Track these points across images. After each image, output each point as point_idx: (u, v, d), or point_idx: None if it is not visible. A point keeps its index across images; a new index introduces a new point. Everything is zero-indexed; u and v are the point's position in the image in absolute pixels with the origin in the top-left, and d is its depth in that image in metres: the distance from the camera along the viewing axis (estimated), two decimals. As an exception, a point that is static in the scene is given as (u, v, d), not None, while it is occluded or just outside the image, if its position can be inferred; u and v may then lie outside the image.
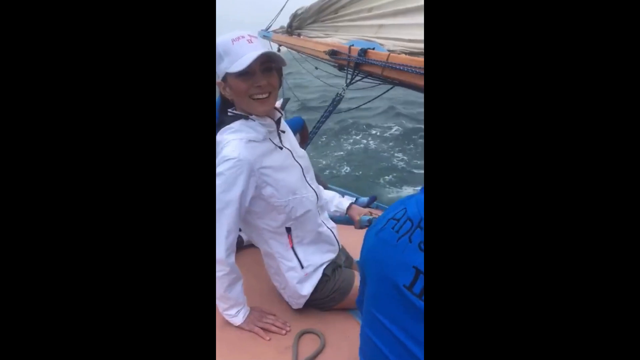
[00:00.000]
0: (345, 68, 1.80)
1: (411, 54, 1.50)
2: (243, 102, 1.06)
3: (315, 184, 1.24)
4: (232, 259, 1.08)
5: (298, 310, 1.27)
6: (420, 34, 1.63)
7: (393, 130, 8.33)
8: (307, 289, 1.21)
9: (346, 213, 1.41)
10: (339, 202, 1.42)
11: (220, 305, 1.16)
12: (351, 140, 8.02)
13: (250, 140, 1.05)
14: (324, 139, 8.05)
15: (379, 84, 1.75)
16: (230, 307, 1.16)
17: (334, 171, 6.50)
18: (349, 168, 6.59)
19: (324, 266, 1.23)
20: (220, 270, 1.07)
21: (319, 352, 1.11)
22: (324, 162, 6.97)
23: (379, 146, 7.75)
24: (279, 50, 2.83)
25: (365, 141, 8.06)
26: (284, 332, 1.18)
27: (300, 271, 1.19)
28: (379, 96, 2.03)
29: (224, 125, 1.09)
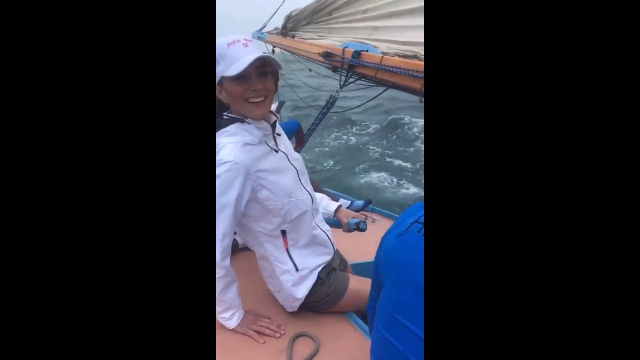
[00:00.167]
0: (339, 70, 1.81)
1: (405, 56, 1.50)
2: (239, 105, 1.06)
3: (309, 187, 1.25)
4: (227, 262, 1.09)
5: (292, 313, 1.27)
6: (413, 36, 1.64)
7: (371, 128, 8.70)
8: (302, 292, 1.21)
9: (334, 216, 1.41)
10: (327, 204, 1.42)
11: None
12: (332, 136, 8.24)
13: (246, 144, 1.05)
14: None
15: (373, 85, 1.76)
16: (225, 310, 1.16)
17: (318, 166, 6.69)
18: (331, 162, 6.87)
19: (319, 269, 1.23)
20: (216, 273, 1.07)
21: (313, 355, 1.11)
22: (307, 157, 7.16)
23: (359, 140, 8.13)
24: (273, 51, 2.83)
25: (346, 137, 8.34)
26: (278, 335, 1.18)
27: (295, 274, 1.19)
28: (373, 98, 2.03)
29: (220, 129, 1.09)
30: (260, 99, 1.04)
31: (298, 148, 2.33)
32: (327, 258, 1.27)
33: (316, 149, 7.35)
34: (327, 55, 1.88)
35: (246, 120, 1.08)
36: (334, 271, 1.29)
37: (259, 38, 3.10)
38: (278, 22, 3.02)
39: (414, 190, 5.44)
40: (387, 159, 6.77)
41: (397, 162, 6.63)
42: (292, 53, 2.54)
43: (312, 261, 1.22)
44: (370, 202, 2.24)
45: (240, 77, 1.00)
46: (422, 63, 1.36)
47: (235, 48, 1.01)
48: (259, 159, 1.07)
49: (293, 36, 2.74)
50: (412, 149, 7.26)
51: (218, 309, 1.16)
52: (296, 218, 1.15)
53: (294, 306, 1.24)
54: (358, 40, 1.97)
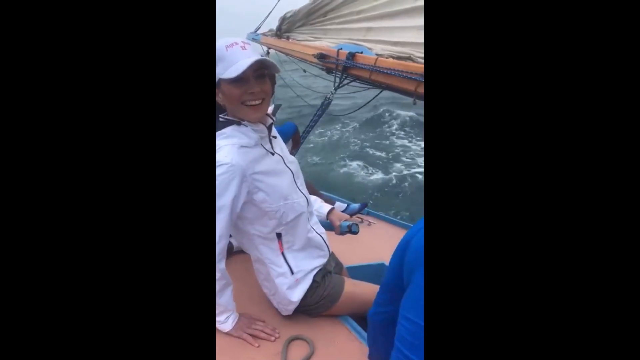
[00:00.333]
0: (334, 71, 1.80)
1: (399, 58, 1.51)
2: (236, 108, 1.06)
3: (305, 189, 1.24)
4: (223, 264, 1.08)
5: (287, 317, 1.26)
6: (406, 37, 1.64)
7: (352, 126, 9.16)
8: (297, 295, 1.20)
9: (327, 218, 1.41)
10: (320, 206, 1.42)
11: None
12: (317, 132, 8.60)
13: (242, 146, 1.05)
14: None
15: (367, 88, 1.76)
16: (220, 314, 1.15)
17: (300, 162, 7.12)
18: (317, 158, 7.27)
19: (314, 272, 1.23)
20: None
21: (308, 358, 1.11)
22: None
23: (342, 135, 8.66)
24: (267, 53, 2.83)
25: (330, 133, 8.70)
26: (273, 338, 1.18)
27: (290, 277, 1.19)
28: (368, 102, 2.04)
29: (216, 131, 1.08)
30: (257, 102, 1.04)
31: (294, 150, 2.33)
32: (323, 261, 1.27)
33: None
34: (322, 57, 1.88)
35: (242, 122, 1.08)
36: (329, 274, 1.28)
37: (254, 40, 3.10)
38: (272, 23, 3.02)
39: (380, 176, 6.26)
40: (364, 150, 7.48)
41: (372, 151, 7.37)
42: (287, 55, 2.54)
43: (308, 264, 1.22)
44: (366, 205, 2.24)
45: (238, 80, 1.00)
46: (416, 65, 1.36)
47: (233, 50, 1.01)
48: (255, 161, 1.07)
49: (288, 38, 2.74)
50: (387, 142, 7.99)
51: None
52: (292, 221, 1.15)
53: (289, 309, 1.24)
54: (352, 42, 1.97)
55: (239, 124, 1.08)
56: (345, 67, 1.71)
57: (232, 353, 1.12)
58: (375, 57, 1.56)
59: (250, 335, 1.17)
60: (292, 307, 1.23)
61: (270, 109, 1.21)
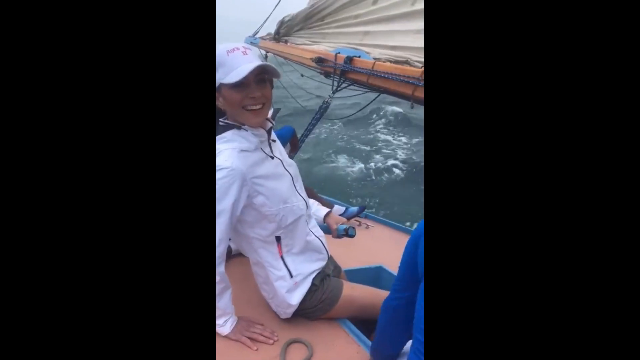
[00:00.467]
0: (332, 75, 1.82)
1: (396, 62, 1.52)
2: (236, 112, 1.06)
3: (303, 193, 1.25)
4: (222, 268, 1.09)
5: (285, 320, 1.26)
6: (403, 40, 1.66)
7: (339, 124, 9.62)
8: (296, 298, 1.21)
9: (324, 221, 1.41)
10: (317, 209, 1.43)
11: None
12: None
13: (242, 150, 1.05)
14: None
15: (365, 91, 1.77)
16: (218, 317, 1.15)
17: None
18: (305, 156, 7.61)
19: (313, 275, 1.23)
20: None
21: (306, 362, 1.11)
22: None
23: (330, 132, 9.14)
24: (266, 57, 2.84)
25: (318, 131, 9.07)
26: (271, 341, 1.18)
27: (289, 280, 1.19)
28: (366, 106, 2.05)
29: (216, 135, 1.09)
30: (258, 107, 1.05)
31: (292, 154, 2.34)
32: (321, 264, 1.27)
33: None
34: (320, 60, 1.90)
35: (243, 126, 1.09)
36: (327, 277, 1.29)
37: (252, 43, 3.11)
38: (271, 27, 3.04)
39: (360, 167, 7.01)
40: (349, 145, 8.07)
41: (358, 145, 7.95)
42: (286, 59, 2.55)
43: (306, 267, 1.22)
44: (365, 208, 2.25)
45: (240, 85, 1.01)
46: (414, 69, 1.37)
47: (234, 56, 1.02)
48: (255, 165, 1.07)
49: (286, 41, 2.75)
50: (371, 136, 8.57)
51: None
52: (291, 224, 1.15)
53: (287, 312, 1.24)
54: (350, 46, 1.98)
55: (239, 128, 1.08)
56: (343, 71, 1.72)
57: (230, 356, 1.12)
58: (373, 61, 1.58)
59: (249, 338, 1.17)
60: (291, 311, 1.23)
61: (269, 113, 1.22)
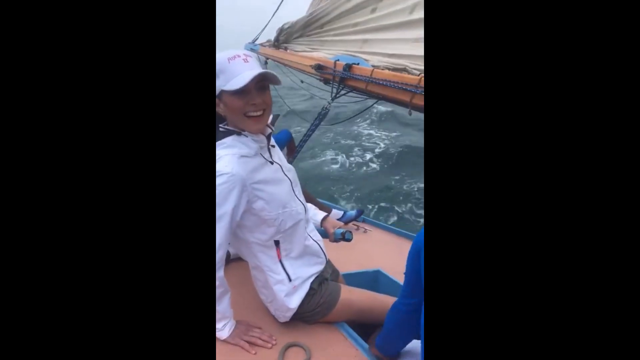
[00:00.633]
0: (331, 82, 1.84)
1: (394, 69, 1.54)
2: (237, 119, 1.08)
3: (302, 197, 1.26)
4: (222, 272, 1.10)
5: (283, 324, 1.27)
6: (401, 49, 1.68)
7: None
8: (295, 301, 1.21)
9: (321, 225, 1.42)
10: (314, 213, 1.43)
11: None
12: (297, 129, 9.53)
13: (242, 156, 1.07)
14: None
15: (364, 98, 1.79)
16: (217, 321, 1.16)
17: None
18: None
19: (312, 279, 1.24)
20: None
21: (305, 365, 1.11)
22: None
23: (318, 131, 9.71)
24: (266, 63, 2.87)
25: (303, 129, 9.59)
26: (269, 345, 1.18)
27: (288, 284, 1.20)
28: (363, 111, 2.06)
29: (216, 141, 1.10)
30: (259, 113, 1.07)
31: (290, 158, 2.35)
32: (320, 268, 1.28)
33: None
34: (319, 67, 1.92)
35: (243, 132, 1.10)
36: (325, 281, 1.30)
37: (252, 50, 3.13)
38: (270, 34, 3.07)
39: (342, 160, 7.47)
40: (334, 142, 8.44)
41: (344, 141, 8.31)
42: (285, 65, 2.57)
43: (305, 271, 1.23)
44: (362, 212, 2.26)
45: (240, 92, 1.02)
46: (411, 76, 1.39)
47: (235, 63, 1.03)
48: (254, 170, 1.09)
49: (285, 48, 2.78)
50: (355, 132, 8.90)
51: None
52: (290, 228, 1.16)
53: (286, 316, 1.25)
54: (349, 53, 2.01)
55: (239, 134, 1.10)
56: (342, 78, 1.74)
57: None
58: (372, 68, 1.59)
59: (247, 342, 1.17)
60: (290, 314, 1.24)
61: (269, 119, 1.24)
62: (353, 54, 1.95)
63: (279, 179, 1.17)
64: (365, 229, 2.15)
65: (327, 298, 1.25)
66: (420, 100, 1.29)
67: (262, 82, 1.06)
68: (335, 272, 1.46)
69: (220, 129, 1.11)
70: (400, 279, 1.58)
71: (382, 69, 1.56)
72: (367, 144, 8.27)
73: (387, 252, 1.89)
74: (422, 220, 5.28)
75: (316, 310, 1.24)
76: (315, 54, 2.27)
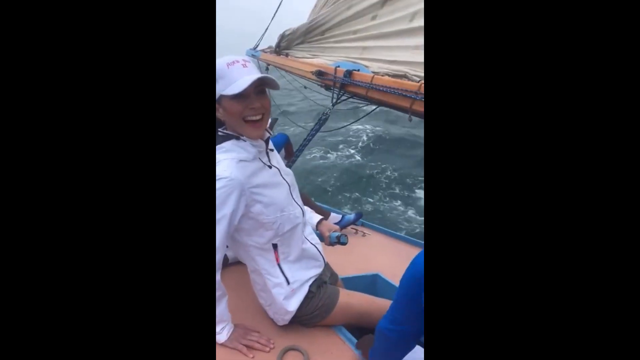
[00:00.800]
0: (331, 88, 1.85)
1: (395, 76, 1.55)
2: (236, 124, 1.09)
3: (300, 201, 1.27)
4: (219, 276, 1.10)
5: (282, 327, 1.27)
6: (401, 56, 1.70)
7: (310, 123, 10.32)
8: (293, 304, 1.21)
9: (316, 229, 1.42)
10: (310, 217, 1.44)
11: None
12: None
13: (240, 160, 1.07)
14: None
15: (364, 104, 1.80)
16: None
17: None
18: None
19: (310, 282, 1.25)
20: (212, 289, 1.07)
21: (303, 369, 1.11)
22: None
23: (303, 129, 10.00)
24: (267, 69, 2.89)
25: (292, 129, 9.89)
26: (267, 349, 1.18)
27: (286, 287, 1.20)
28: (362, 117, 2.08)
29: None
30: (258, 117, 1.08)
31: (288, 162, 2.36)
32: (318, 271, 1.28)
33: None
34: (320, 74, 1.93)
35: (241, 137, 1.11)
36: (324, 284, 1.30)
37: (253, 56, 3.16)
38: (271, 40, 3.09)
39: (331, 157, 7.79)
40: (323, 140, 8.60)
41: (330, 138, 8.49)
42: (286, 71, 2.59)
43: (303, 274, 1.23)
44: (361, 216, 2.26)
45: (240, 96, 1.03)
46: (411, 83, 1.41)
47: (234, 68, 1.05)
48: (253, 174, 1.09)
49: (286, 54, 2.80)
50: (342, 129, 8.98)
51: None
52: (288, 232, 1.17)
53: (285, 319, 1.25)
54: (350, 59, 2.03)
55: (237, 138, 1.11)
56: (342, 84, 1.75)
57: None
58: (372, 74, 1.61)
59: (245, 346, 1.17)
60: (289, 317, 1.24)
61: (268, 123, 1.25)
62: (354, 60, 1.97)
63: (277, 182, 1.18)
64: (364, 233, 2.15)
65: (326, 301, 1.25)
66: (420, 107, 1.30)
67: (260, 87, 1.07)
68: (334, 275, 1.46)
69: (219, 134, 1.12)
70: (398, 282, 1.58)
71: (383, 76, 1.58)
72: (352, 139, 8.61)
73: (386, 256, 1.89)
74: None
75: (315, 313, 1.25)
76: (316, 61, 2.30)
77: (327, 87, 1.95)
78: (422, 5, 1.70)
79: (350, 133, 8.75)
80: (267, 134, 1.18)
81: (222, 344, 1.17)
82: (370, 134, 8.79)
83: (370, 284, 1.67)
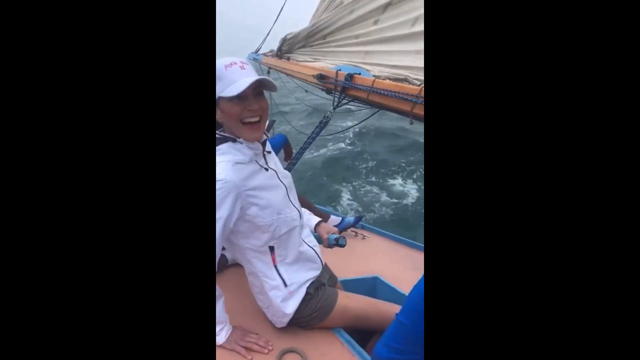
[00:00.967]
0: (333, 91, 1.86)
1: (396, 79, 1.56)
2: (234, 126, 1.09)
3: (297, 203, 1.27)
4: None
5: (280, 329, 1.26)
6: (402, 60, 1.71)
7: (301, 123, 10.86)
8: (291, 307, 1.21)
9: (315, 231, 1.42)
10: (308, 218, 1.44)
11: None
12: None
13: (237, 163, 1.07)
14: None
15: (365, 107, 1.81)
16: None
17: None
18: None
19: (308, 284, 1.24)
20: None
21: (301, 371, 1.11)
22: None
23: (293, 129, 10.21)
24: (268, 72, 2.90)
25: (283, 127, 10.04)
26: (266, 351, 1.18)
27: (284, 289, 1.20)
28: (364, 120, 2.09)
29: None
30: (256, 119, 1.08)
31: (287, 163, 2.36)
32: (316, 273, 1.28)
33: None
34: (321, 77, 1.94)
35: (238, 139, 1.11)
36: (322, 286, 1.30)
37: (255, 59, 3.18)
38: (273, 44, 3.11)
39: (322, 152, 8.24)
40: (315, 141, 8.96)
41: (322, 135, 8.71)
42: (288, 75, 2.61)
43: (301, 276, 1.23)
44: (361, 218, 2.27)
45: (238, 97, 1.04)
46: (412, 86, 1.41)
47: (232, 70, 1.05)
48: (249, 177, 1.09)
49: (288, 58, 2.82)
50: (331, 127, 9.72)
51: None
52: (285, 234, 1.17)
53: (283, 322, 1.24)
54: (351, 64, 2.04)
55: (234, 140, 1.11)
56: (343, 88, 1.76)
57: None
58: (373, 78, 1.62)
59: (244, 347, 1.17)
60: (287, 319, 1.23)
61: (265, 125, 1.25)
62: (355, 64, 1.98)
63: (274, 185, 1.18)
64: (364, 236, 2.15)
65: (324, 303, 1.25)
66: (421, 110, 1.31)
67: (259, 89, 1.08)
68: (333, 277, 1.46)
69: (217, 135, 1.13)
70: (398, 285, 1.58)
71: (384, 79, 1.59)
72: (341, 135, 8.92)
73: (386, 259, 1.89)
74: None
75: (313, 315, 1.24)
76: (317, 64, 2.31)
77: (329, 91, 1.96)
78: (423, 10, 1.71)
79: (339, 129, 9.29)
80: (264, 136, 1.19)
81: (220, 346, 1.16)
82: (357, 130, 9.10)
83: (370, 286, 1.67)
